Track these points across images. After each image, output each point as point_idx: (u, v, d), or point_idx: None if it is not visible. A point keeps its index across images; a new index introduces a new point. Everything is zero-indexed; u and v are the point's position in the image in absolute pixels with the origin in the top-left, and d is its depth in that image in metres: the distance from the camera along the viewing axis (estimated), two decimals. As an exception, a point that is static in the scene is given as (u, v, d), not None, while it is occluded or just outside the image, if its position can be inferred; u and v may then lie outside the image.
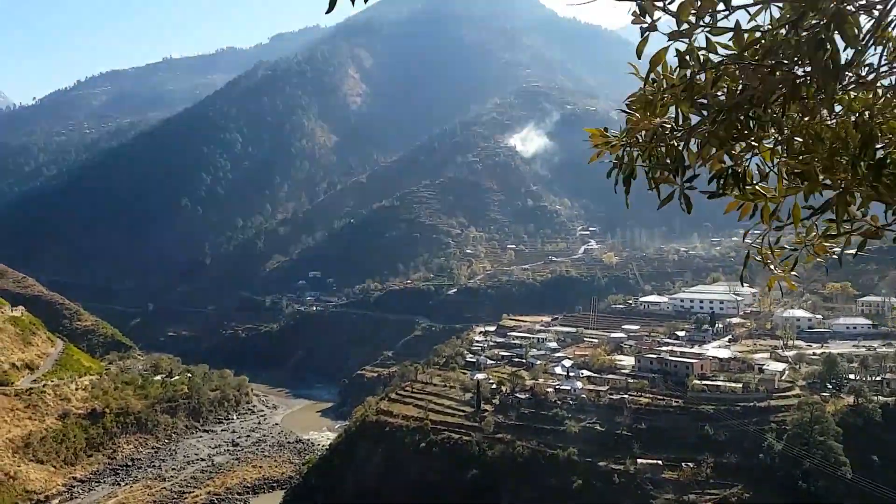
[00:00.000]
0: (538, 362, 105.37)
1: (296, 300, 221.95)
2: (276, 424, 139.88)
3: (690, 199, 4.66)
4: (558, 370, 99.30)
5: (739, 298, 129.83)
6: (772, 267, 4.67)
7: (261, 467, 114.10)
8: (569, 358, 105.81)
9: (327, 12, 4.43)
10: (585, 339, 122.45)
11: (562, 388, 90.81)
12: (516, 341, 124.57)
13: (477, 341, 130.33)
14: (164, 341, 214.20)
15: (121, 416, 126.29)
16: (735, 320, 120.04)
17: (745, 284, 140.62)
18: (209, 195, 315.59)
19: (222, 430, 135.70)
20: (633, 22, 4.36)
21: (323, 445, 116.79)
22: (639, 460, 74.94)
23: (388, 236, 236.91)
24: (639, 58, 4.66)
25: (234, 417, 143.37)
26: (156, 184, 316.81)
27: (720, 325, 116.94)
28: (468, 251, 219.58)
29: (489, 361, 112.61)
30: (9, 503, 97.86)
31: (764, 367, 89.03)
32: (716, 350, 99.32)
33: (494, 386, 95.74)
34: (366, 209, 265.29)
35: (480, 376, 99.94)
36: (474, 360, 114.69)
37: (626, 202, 5.23)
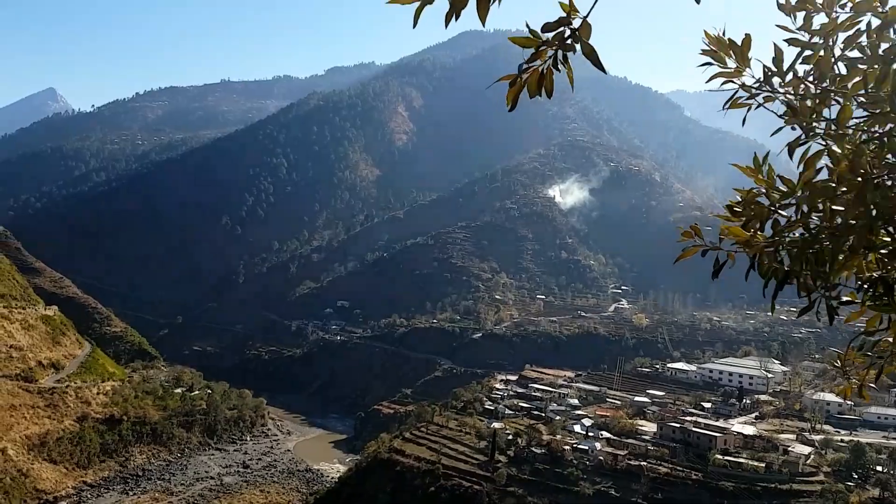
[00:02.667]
0: (557, 418, 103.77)
1: (321, 327, 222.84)
2: (289, 451, 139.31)
3: (836, 311, 4.46)
4: (577, 428, 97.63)
5: (770, 375, 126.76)
6: (850, 375, 4.59)
7: (268, 492, 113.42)
8: (589, 417, 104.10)
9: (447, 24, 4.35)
10: (608, 399, 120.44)
11: (579, 447, 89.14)
12: (537, 394, 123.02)
13: (497, 389, 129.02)
14: (189, 354, 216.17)
15: (137, 425, 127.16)
16: (763, 397, 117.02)
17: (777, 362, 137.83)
18: (249, 216, 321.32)
19: (234, 451, 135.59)
20: (787, 122, 4.46)
21: (332, 477, 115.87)
22: (652, 531, 72.90)
23: (419, 273, 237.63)
24: (790, 157, 4.60)
25: (248, 439, 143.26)
26: (199, 200, 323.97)
27: (747, 401, 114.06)
28: (497, 297, 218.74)
29: (508, 411, 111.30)
30: (18, 500, 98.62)
31: (789, 448, 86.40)
32: (741, 426, 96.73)
33: (511, 437, 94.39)
34: (400, 244, 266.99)
35: (497, 425, 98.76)
36: (493, 408, 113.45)
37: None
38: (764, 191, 4.53)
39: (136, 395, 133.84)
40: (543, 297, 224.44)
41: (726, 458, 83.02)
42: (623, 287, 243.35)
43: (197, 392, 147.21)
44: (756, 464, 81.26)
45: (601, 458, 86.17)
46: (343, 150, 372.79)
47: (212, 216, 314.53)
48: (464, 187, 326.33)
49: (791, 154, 4.58)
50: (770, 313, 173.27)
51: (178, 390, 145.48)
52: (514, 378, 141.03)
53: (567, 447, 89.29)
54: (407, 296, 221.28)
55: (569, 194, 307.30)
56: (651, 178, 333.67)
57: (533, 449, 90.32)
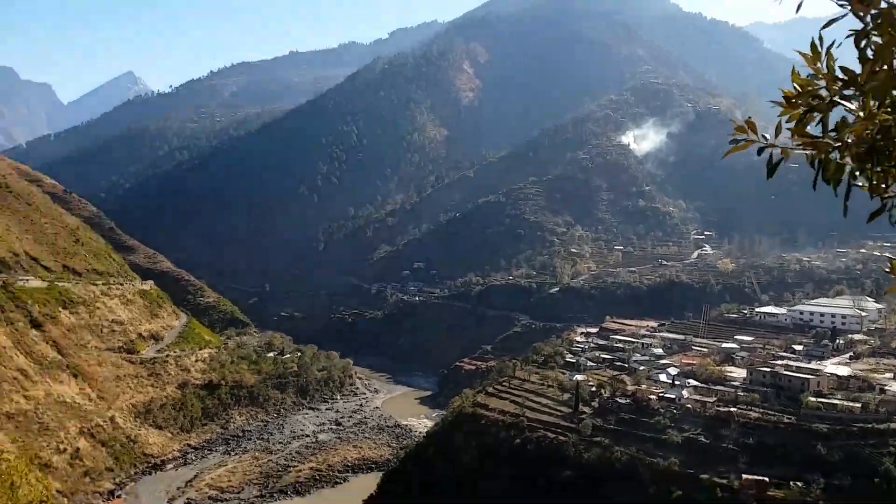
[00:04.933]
0: (641, 368, 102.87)
1: (400, 289, 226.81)
2: (377, 408, 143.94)
3: None
4: (663, 377, 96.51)
5: (864, 314, 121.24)
6: None
7: (361, 448, 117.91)
8: (674, 366, 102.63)
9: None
10: (694, 347, 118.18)
11: (666, 395, 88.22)
12: (619, 345, 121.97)
13: (577, 342, 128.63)
14: (278, 320, 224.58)
15: (235, 389, 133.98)
16: (858, 337, 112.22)
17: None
18: (325, 184, 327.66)
19: (326, 409, 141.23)
20: (853, 8, 4.11)
21: (420, 432, 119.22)
22: (744, 476, 71.86)
23: (493, 231, 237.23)
24: (856, 46, 4.17)
25: (338, 398, 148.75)
26: (277, 171, 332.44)
27: (841, 341, 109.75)
28: (573, 250, 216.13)
29: (589, 363, 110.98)
30: (128, 464, 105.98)
31: (886, 387, 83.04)
32: (834, 367, 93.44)
33: (594, 388, 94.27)
34: (472, 203, 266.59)
35: (580, 377, 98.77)
36: (574, 360, 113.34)
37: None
38: (822, 82, 4.19)
39: (232, 361, 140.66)
40: (622, 247, 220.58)
41: (819, 400, 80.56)
42: (706, 232, 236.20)
43: (288, 355, 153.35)
44: (851, 404, 78.55)
45: (689, 405, 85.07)
46: (410, 112, 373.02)
47: (290, 186, 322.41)
48: (533, 141, 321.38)
49: (857, 44, 4.17)
50: (854, 251, 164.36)
51: (271, 354, 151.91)
52: (594, 330, 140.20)
53: (653, 396, 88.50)
54: (481, 254, 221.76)
55: (643, 140, 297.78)
56: (732, 117, 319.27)
57: (617, 399, 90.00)
